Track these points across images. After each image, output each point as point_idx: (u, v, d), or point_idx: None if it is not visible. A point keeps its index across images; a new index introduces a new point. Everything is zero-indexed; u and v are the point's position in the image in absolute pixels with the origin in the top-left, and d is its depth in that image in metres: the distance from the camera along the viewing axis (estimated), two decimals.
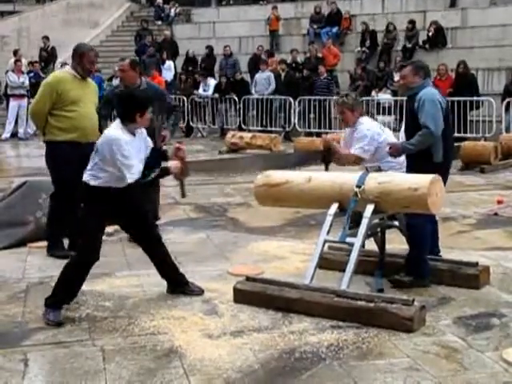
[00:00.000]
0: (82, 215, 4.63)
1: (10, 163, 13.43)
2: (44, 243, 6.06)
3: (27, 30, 22.81)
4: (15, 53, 19.34)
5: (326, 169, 5.66)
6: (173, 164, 4.64)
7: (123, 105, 4.63)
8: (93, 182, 4.51)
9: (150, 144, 4.74)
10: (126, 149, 4.40)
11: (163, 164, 4.67)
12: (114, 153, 4.40)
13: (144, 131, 4.70)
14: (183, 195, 5.03)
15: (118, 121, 4.58)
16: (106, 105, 6.52)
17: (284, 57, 17.81)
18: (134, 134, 4.55)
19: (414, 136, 5.06)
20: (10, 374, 3.66)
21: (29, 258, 5.98)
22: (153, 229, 5.03)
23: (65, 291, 4.52)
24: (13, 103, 16.98)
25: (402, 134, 5.67)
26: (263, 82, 16.58)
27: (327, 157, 5.65)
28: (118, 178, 4.47)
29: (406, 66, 5.39)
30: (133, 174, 4.42)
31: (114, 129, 4.54)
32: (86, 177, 4.56)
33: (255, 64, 17.49)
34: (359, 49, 18.01)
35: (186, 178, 4.95)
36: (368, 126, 5.61)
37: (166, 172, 4.65)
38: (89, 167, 4.57)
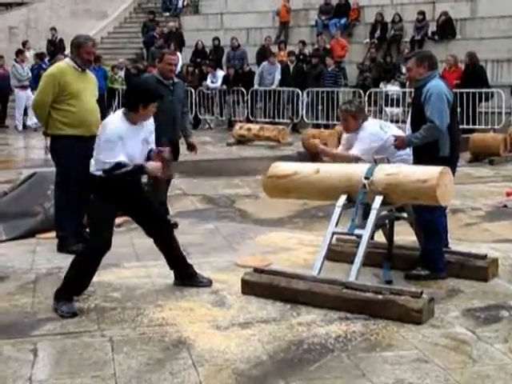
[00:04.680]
0: (91, 205, 4.64)
1: (18, 154, 13.46)
2: (52, 234, 6.08)
3: (35, 22, 22.85)
4: (24, 44, 19.38)
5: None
6: (151, 166, 4.54)
7: (129, 93, 4.65)
8: (95, 171, 4.52)
9: (151, 142, 4.70)
10: (108, 134, 4.40)
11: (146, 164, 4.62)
12: (100, 135, 4.44)
13: (150, 125, 4.68)
14: (161, 196, 4.92)
15: (122, 109, 4.60)
16: None
17: (292, 48, 17.75)
18: (134, 124, 4.53)
19: (419, 128, 5.04)
20: (19, 364, 3.68)
21: (37, 248, 6.00)
22: (164, 220, 5.01)
23: (77, 282, 4.53)
24: (21, 94, 17.01)
25: (408, 125, 5.65)
26: (270, 74, 16.52)
27: (316, 160, 5.64)
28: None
29: (410, 57, 5.36)
30: (103, 162, 4.40)
31: (112, 115, 4.58)
32: (90, 167, 4.57)
33: (263, 56, 17.44)
34: (368, 40, 17.94)
35: (167, 177, 4.86)
36: (371, 129, 5.63)
37: (140, 170, 4.57)
38: (94, 158, 4.58)
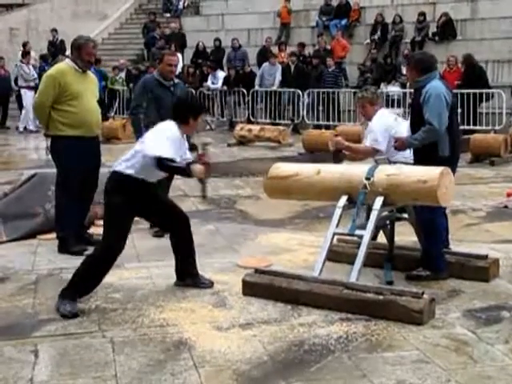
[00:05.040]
0: (111, 206, 4.63)
1: (19, 155, 13.47)
2: (53, 235, 6.08)
3: (36, 23, 22.87)
4: (24, 45, 19.38)
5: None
6: (197, 168, 4.63)
7: (179, 106, 4.81)
8: (128, 171, 4.57)
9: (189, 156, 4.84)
10: (173, 135, 4.59)
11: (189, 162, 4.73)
12: (157, 135, 4.58)
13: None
14: (204, 196, 5.05)
15: (170, 121, 4.72)
16: (142, 94, 6.56)
17: (293, 49, 17.75)
18: (182, 135, 4.72)
19: (418, 129, 5.05)
20: (20, 365, 3.68)
21: (38, 249, 6.00)
22: (187, 219, 5.00)
23: (87, 283, 4.53)
24: (30, 93, 16.89)
25: (408, 126, 5.67)
26: (272, 75, 16.53)
27: (338, 157, 5.68)
28: (151, 170, 4.55)
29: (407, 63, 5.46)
30: (160, 151, 4.48)
31: (169, 124, 4.71)
32: (119, 167, 4.62)
33: (263, 56, 17.44)
34: (368, 41, 17.94)
35: (208, 180, 4.96)
36: (380, 118, 5.67)
37: (188, 174, 4.66)
38: (125, 157, 4.66)
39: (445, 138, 5.02)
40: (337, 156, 5.68)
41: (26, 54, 17.75)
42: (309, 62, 16.90)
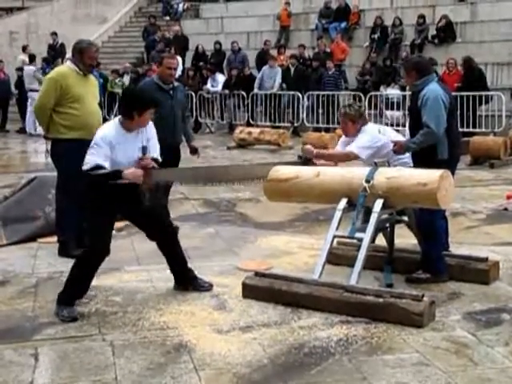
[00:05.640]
0: (89, 209, 4.61)
1: (19, 158, 13.47)
2: (54, 238, 6.08)
3: (36, 26, 22.90)
4: (24, 49, 19.41)
5: None
6: (129, 171, 4.45)
7: (124, 100, 4.67)
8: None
9: (153, 149, 4.69)
10: (97, 139, 4.47)
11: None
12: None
13: (149, 132, 4.66)
14: (145, 202, 4.82)
15: (118, 116, 4.63)
16: None
17: (292, 52, 17.77)
18: (130, 131, 4.54)
19: (417, 133, 5.05)
20: (21, 368, 3.68)
21: (38, 252, 6.00)
22: (167, 224, 4.97)
23: (76, 287, 4.53)
24: (34, 96, 16.91)
25: (407, 129, 5.68)
26: (271, 78, 16.54)
27: (307, 164, 5.60)
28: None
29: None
30: (86, 163, 4.43)
31: (109, 122, 4.64)
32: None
33: (262, 59, 17.46)
34: (367, 43, 17.95)
35: (149, 187, 4.76)
36: (370, 132, 5.63)
37: (117, 176, 4.45)
38: None
39: (444, 141, 5.03)
40: (307, 165, 5.58)
41: (33, 58, 17.73)
42: (309, 64, 16.91)
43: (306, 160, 5.61)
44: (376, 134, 5.67)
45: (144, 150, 4.55)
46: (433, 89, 5.05)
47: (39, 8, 23.75)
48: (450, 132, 5.08)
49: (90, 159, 4.44)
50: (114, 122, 4.60)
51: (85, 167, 4.45)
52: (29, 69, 17.28)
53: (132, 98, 4.60)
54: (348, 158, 5.64)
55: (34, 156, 13.44)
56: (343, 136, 5.93)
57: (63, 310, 4.40)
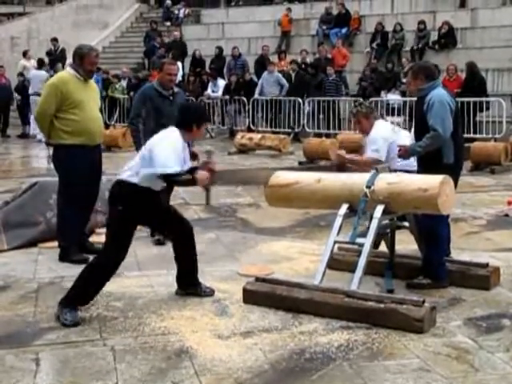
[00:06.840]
0: (114, 217, 4.60)
1: (20, 164, 13.48)
2: (55, 243, 6.08)
3: (37, 32, 22.94)
4: (24, 54, 19.44)
5: None
6: (202, 176, 4.59)
7: (183, 113, 4.78)
8: (133, 180, 4.56)
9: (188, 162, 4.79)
10: (177, 145, 4.55)
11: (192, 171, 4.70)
12: (157, 145, 4.52)
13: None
14: (208, 202, 5.07)
15: (173, 128, 4.69)
16: (141, 103, 6.50)
17: (293, 57, 17.79)
18: (185, 142, 4.71)
19: (422, 137, 5.06)
20: (22, 374, 3.68)
21: (40, 257, 6.01)
22: (191, 229, 4.99)
23: (85, 292, 4.52)
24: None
25: (413, 135, 5.69)
26: (272, 84, 16.54)
27: (343, 170, 5.71)
28: (155, 179, 4.54)
29: (408, 71, 5.50)
30: (170, 167, 4.45)
31: (170, 131, 4.68)
32: (123, 175, 4.61)
33: (261, 65, 17.48)
34: (368, 49, 17.98)
35: (212, 187, 4.96)
36: (378, 129, 5.75)
37: (193, 183, 4.61)
38: (129, 166, 4.64)
39: (450, 145, 5.03)
40: (341, 170, 5.72)
41: (41, 63, 17.77)
42: (313, 71, 16.87)
43: (339, 166, 5.75)
44: (385, 130, 5.85)
45: (209, 153, 4.79)
46: (438, 93, 5.06)
47: (40, 13, 23.81)
48: (456, 136, 5.09)
49: (172, 165, 4.45)
50: (176, 131, 4.66)
51: (165, 170, 4.45)
52: (39, 73, 17.24)
53: (192, 113, 4.77)
54: (371, 164, 5.68)
55: (35, 161, 13.44)
56: (363, 138, 6.13)
57: (66, 314, 4.39)
